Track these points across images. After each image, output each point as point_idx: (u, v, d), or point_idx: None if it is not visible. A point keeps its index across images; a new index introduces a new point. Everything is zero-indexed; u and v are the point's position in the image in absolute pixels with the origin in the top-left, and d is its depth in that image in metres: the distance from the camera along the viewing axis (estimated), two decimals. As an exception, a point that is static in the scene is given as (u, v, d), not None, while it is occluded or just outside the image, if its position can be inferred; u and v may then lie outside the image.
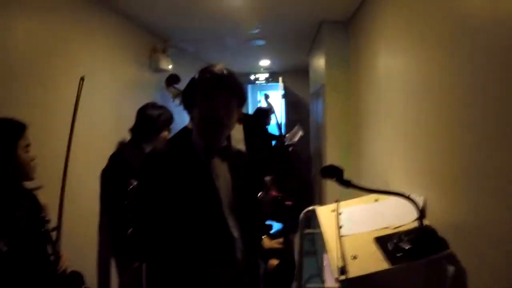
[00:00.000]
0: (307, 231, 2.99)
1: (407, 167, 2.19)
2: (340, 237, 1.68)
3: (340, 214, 2.04)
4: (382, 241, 1.65)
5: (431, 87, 1.80)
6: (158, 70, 4.25)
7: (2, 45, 2.05)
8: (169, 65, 4.35)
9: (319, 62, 4.40)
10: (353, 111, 3.68)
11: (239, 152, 1.91)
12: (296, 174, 5.90)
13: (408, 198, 1.50)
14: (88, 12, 2.98)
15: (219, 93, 1.55)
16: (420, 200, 1.83)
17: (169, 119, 3.01)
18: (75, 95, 1.94)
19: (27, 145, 1.74)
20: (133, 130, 2.93)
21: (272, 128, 6.68)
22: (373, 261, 1.46)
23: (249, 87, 10.00)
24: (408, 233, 1.63)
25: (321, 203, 4.22)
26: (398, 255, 1.50)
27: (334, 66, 3.86)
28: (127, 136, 2.99)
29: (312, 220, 2.83)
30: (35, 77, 2.32)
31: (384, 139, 2.67)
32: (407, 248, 1.52)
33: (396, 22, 2.39)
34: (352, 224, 1.88)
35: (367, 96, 3.14)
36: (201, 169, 1.64)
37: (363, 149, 3.31)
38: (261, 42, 4.97)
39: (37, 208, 1.80)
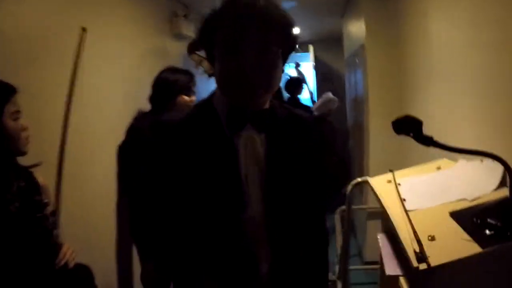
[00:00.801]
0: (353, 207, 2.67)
1: (479, 130, 1.81)
2: (407, 212, 1.32)
3: (399, 185, 1.69)
4: (460, 217, 1.30)
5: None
6: (180, 36, 3.93)
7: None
8: (191, 31, 4.01)
9: (357, 22, 3.99)
10: (397, 72, 3.25)
11: (292, 117, 1.24)
12: (332, 148, 5.54)
13: (500, 159, 1.13)
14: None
15: (249, 34, 1.00)
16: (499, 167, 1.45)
17: (188, 82, 2.64)
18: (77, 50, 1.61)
19: (17, 112, 1.42)
20: (151, 98, 2.61)
21: (305, 100, 6.34)
22: (458, 243, 1.11)
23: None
24: (494, 205, 1.28)
25: (362, 176, 3.87)
26: (489, 233, 1.15)
27: (374, 24, 3.47)
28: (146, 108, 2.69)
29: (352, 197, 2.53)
30: (42, 42, 2.04)
31: (442, 99, 2.29)
32: (498, 224, 1.16)
33: None
34: (417, 197, 1.53)
35: (414, 56, 2.74)
36: (220, 146, 1.09)
37: (413, 112, 2.91)
38: (291, 4, 4.55)
39: (34, 189, 1.50)
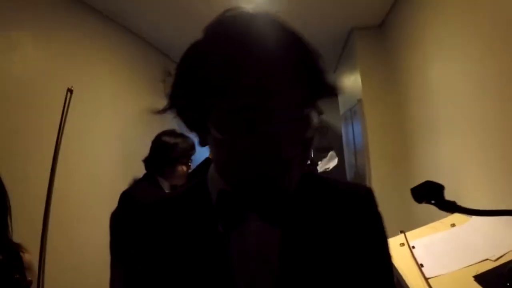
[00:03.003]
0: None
1: (489, 179, 1.71)
2: (427, 280, 1.18)
3: (413, 248, 1.56)
4: (486, 280, 1.17)
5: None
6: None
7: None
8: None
9: (352, 76, 3.98)
10: (397, 124, 3.19)
11: (329, 192, 0.79)
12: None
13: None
14: (95, 30, 2.68)
15: (267, 86, 0.60)
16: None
17: (188, 149, 2.51)
18: (64, 112, 1.53)
19: None
20: (146, 161, 2.48)
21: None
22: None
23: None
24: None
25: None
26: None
27: (370, 77, 3.44)
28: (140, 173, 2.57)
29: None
30: (39, 102, 2.00)
31: (447, 150, 2.20)
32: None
33: (442, 20, 2.04)
34: (435, 261, 1.40)
35: (415, 106, 2.69)
36: (209, 245, 0.75)
37: (415, 165, 2.81)
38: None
39: (15, 266, 1.34)
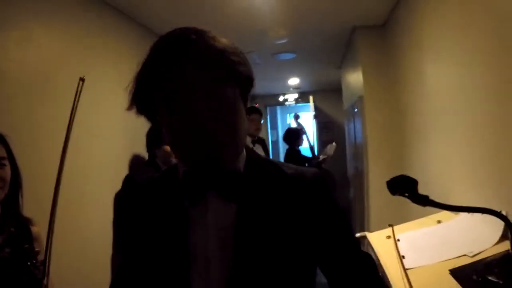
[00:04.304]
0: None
1: (478, 179, 1.78)
2: (406, 270, 1.28)
3: (398, 240, 1.66)
4: (461, 274, 1.26)
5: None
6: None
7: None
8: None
9: (354, 73, 4.05)
10: (396, 123, 3.27)
11: (281, 177, 0.91)
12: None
13: (500, 214, 1.10)
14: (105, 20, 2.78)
15: (192, 79, 0.76)
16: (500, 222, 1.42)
17: None
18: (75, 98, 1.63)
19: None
20: (148, 135, 2.60)
21: (305, 150, 6.35)
22: (458, 304, 1.06)
23: (278, 109, 9.79)
24: (495, 261, 1.25)
25: (363, 227, 3.79)
26: (489, 293, 1.11)
27: (371, 75, 3.51)
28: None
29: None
30: (52, 91, 2.13)
31: (440, 150, 2.28)
32: (500, 282, 1.12)
33: (443, 19, 2.08)
34: (416, 254, 1.48)
35: (414, 105, 2.76)
36: (174, 219, 0.87)
37: (412, 164, 2.89)
38: (290, 55, 4.65)
39: (24, 237, 1.47)
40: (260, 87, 7.28)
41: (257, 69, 5.43)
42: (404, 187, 1.02)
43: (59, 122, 1.85)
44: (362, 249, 0.95)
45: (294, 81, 6.67)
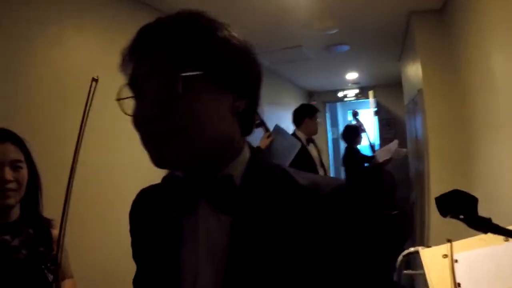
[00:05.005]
0: (406, 272, 2.30)
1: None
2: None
3: (455, 261, 1.36)
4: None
5: None
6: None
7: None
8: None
9: (413, 65, 3.68)
10: (461, 118, 2.87)
11: (288, 188, 0.74)
12: (391, 200, 5.11)
13: None
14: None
15: (140, 61, 0.70)
16: None
17: None
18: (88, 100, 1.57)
19: (16, 161, 1.40)
20: None
21: (364, 149, 6.03)
22: None
23: (338, 105, 9.43)
24: None
25: (423, 238, 3.42)
26: None
27: (431, 65, 3.14)
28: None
29: (413, 260, 2.14)
30: (76, 92, 2.08)
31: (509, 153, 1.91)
32: None
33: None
34: (475, 282, 1.19)
35: (480, 98, 2.38)
36: (165, 231, 0.78)
37: (480, 166, 2.50)
38: (344, 48, 4.34)
39: (42, 239, 1.46)
40: (316, 82, 7.01)
41: (310, 64, 5.19)
42: (460, 207, 0.76)
43: (93, 125, 1.84)
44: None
45: (352, 75, 6.31)
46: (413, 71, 3.72)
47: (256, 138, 3.91)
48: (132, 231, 0.90)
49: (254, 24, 3.30)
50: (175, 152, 0.68)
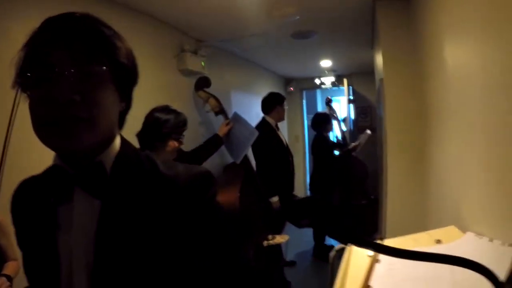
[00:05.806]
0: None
1: (493, 196, 1.36)
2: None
3: (377, 261, 1.31)
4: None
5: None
6: (187, 72, 3.71)
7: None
8: (199, 67, 3.79)
9: (378, 54, 3.59)
10: (419, 112, 2.80)
11: (154, 174, 0.86)
12: (361, 189, 5.10)
13: (483, 269, 0.73)
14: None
15: (51, 51, 0.74)
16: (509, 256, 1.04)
17: (180, 125, 2.47)
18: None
19: None
20: (138, 136, 2.43)
21: (335, 137, 5.99)
22: None
23: (318, 92, 9.38)
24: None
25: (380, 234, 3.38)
26: None
27: (392, 54, 3.04)
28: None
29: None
30: None
31: (453, 150, 1.85)
32: None
33: None
34: (390, 285, 1.13)
35: (436, 92, 2.31)
36: (44, 218, 0.83)
37: (432, 161, 2.45)
38: (312, 34, 4.24)
39: None
40: (292, 70, 6.93)
41: (282, 51, 5.10)
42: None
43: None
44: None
45: (326, 63, 6.21)
46: (379, 60, 3.65)
47: (216, 126, 3.87)
48: (15, 222, 0.93)
49: (220, 11, 3.19)
50: (82, 139, 0.74)
